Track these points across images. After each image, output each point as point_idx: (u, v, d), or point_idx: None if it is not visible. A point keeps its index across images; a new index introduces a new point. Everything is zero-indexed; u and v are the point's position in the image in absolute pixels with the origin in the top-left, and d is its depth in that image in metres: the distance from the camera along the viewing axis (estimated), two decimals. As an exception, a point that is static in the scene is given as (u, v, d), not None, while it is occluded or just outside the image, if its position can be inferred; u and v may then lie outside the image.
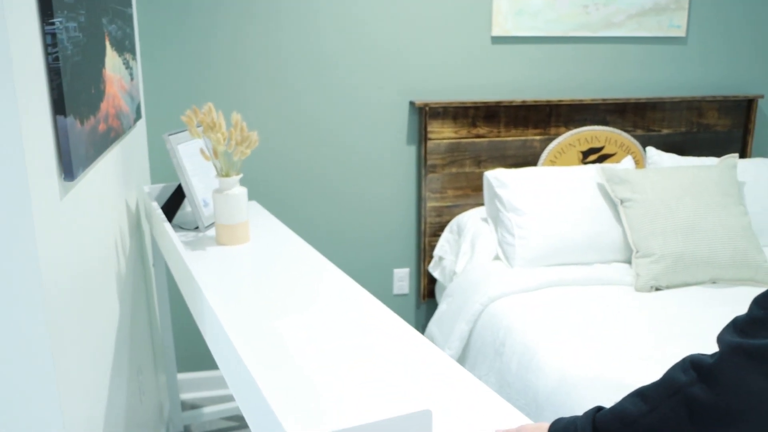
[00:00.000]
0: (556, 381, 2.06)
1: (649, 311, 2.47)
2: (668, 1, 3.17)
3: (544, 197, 2.85)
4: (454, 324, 2.70)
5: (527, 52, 3.12)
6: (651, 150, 3.09)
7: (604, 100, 3.17)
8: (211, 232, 2.20)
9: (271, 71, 2.90)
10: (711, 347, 2.18)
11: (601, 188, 2.89)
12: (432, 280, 3.24)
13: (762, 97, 3.34)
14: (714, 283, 2.70)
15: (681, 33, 3.22)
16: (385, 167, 3.11)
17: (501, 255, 2.87)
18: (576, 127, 3.18)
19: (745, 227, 2.73)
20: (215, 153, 1.80)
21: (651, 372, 2.02)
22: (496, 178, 2.91)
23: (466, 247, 2.98)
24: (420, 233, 3.18)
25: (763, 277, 2.68)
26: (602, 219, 2.83)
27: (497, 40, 3.08)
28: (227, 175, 1.82)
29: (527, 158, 3.18)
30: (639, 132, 3.25)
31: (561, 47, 3.15)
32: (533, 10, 3.06)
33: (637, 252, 2.72)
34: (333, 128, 3.02)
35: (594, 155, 3.21)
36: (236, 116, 1.81)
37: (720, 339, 0.92)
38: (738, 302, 2.55)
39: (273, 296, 1.65)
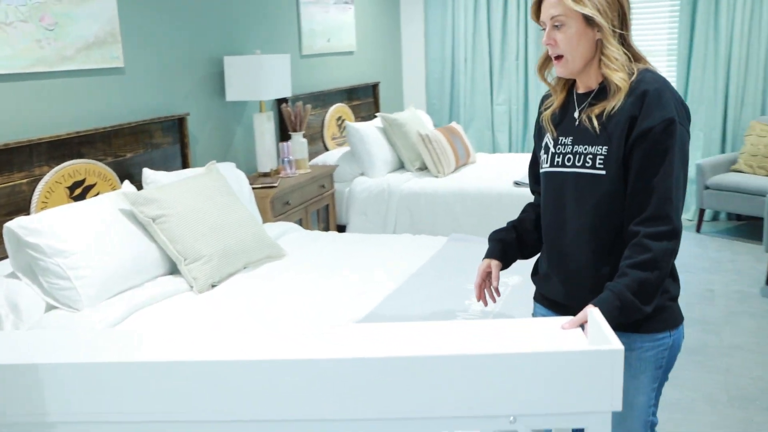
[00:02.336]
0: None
1: (224, 306, 2.78)
2: (106, 34, 3.36)
3: (82, 234, 2.78)
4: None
5: (-2, 91, 2.90)
6: (147, 171, 3.28)
7: (77, 133, 3.18)
8: None
9: None
10: (281, 319, 2.67)
11: (125, 213, 2.97)
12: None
13: (189, 114, 3.86)
14: (245, 267, 3.15)
15: (120, 63, 3.46)
16: None
17: (57, 303, 2.70)
18: (58, 163, 3.12)
19: (251, 217, 3.26)
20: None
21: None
22: (22, 227, 2.68)
23: (5, 311, 2.66)
24: (-72, 316, 2.65)
25: (277, 253, 3.27)
26: (137, 241, 2.94)
27: (-35, 81, 2.77)
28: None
29: (20, 204, 2.97)
30: (110, 159, 3.38)
31: (25, 84, 3.01)
32: None
33: (186, 259, 2.95)
34: None
35: (79, 189, 3.20)
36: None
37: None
38: (271, 277, 3.07)
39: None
